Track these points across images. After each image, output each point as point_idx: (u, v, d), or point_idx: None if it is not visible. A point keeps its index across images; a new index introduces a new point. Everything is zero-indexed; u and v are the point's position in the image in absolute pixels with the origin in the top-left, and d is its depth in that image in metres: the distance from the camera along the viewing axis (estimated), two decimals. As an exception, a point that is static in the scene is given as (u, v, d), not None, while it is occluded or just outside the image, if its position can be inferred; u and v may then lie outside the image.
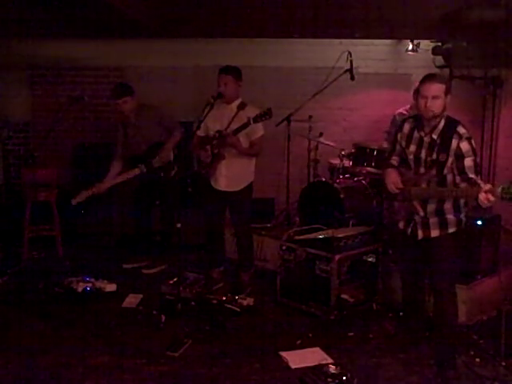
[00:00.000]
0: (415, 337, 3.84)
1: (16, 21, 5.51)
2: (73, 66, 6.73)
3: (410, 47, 6.39)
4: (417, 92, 3.42)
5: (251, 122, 4.30)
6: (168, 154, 5.17)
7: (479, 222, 4.20)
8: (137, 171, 5.15)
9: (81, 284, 4.56)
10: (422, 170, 3.42)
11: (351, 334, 4.01)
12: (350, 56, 5.55)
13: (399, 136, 3.57)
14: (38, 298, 4.57)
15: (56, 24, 5.64)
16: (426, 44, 6.28)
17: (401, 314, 4.14)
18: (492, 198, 2.93)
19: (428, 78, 3.31)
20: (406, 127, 3.52)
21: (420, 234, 3.49)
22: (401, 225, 3.60)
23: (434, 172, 3.32)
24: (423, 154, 3.39)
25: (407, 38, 6.38)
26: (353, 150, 5.39)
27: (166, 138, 5.18)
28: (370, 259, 4.43)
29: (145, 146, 5.19)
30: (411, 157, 3.46)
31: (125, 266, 5.38)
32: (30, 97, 6.82)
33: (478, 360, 3.63)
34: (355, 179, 5.17)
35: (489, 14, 4.93)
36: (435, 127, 3.33)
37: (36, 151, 6.60)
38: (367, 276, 4.42)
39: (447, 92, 3.29)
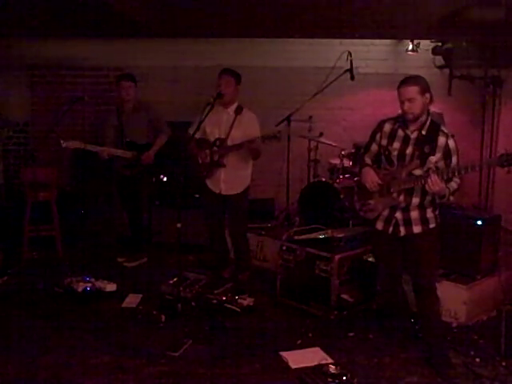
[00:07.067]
0: (408, 335, 3.87)
1: (16, 21, 5.50)
2: (73, 66, 6.72)
3: (410, 47, 6.39)
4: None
5: (259, 140, 4.37)
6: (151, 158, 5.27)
7: (479, 222, 4.19)
8: (129, 154, 5.24)
9: (81, 284, 4.56)
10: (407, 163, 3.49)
11: (351, 334, 4.01)
12: (350, 56, 5.56)
13: (378, 136, 3.61)
14: (38, 298, 4.57)
15: (56, 24, 5.62)
16: (426, 44, 6.29)
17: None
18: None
19: (402, 83, 3.41)
20: (387, 127, 3.58)
21: (402, 230, 3.52)
22: (379, 225, 3.62)
23: (417, 162, 3.40)
24: (409, 150, 3.45)
25: (407, 38, 6.37)
26: (353, 150, 5.39)
27: (152, 139, 5.29)
28: (369, 259, 4.42)
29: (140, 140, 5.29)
30: (395, 153, 3.51)
31: (119, 259, 5.50)
32: (30, 97, 6.81)
33: (478, 360, 3.62)
34: (355, 179, 5.16)
35: (489, 14, 4.93)
36: (424, 123, 3.43)
37: (36, 151, 6.61)
38: (367, 276, 4.41)
39: (423, 91, 3.37)
